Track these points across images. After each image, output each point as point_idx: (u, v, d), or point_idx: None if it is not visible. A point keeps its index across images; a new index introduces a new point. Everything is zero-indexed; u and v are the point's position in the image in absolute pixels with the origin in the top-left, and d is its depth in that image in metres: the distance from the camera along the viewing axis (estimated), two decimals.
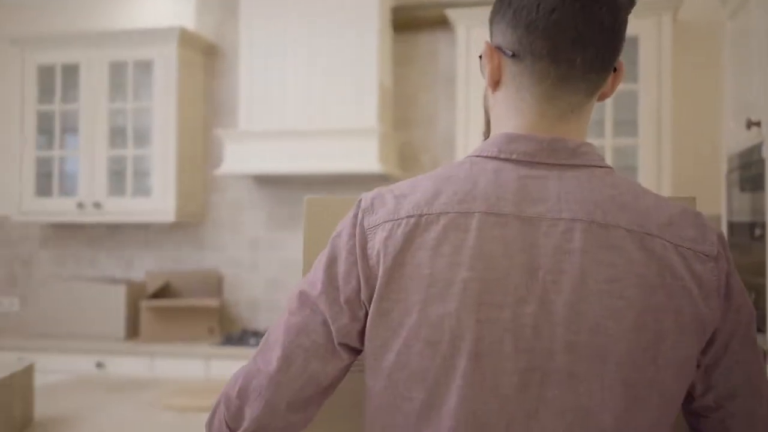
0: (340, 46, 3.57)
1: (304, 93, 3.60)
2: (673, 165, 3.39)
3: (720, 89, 3.46)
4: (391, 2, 3.74)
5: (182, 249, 4.07)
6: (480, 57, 0.95)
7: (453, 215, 0.85)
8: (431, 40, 3.84)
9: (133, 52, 3.81)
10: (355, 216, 0.90)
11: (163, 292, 3.83)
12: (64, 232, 4.21)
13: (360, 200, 0.91)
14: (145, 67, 3.87)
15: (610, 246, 0.83)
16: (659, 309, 0.82)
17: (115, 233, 4.16)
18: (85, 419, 2.04)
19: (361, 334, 0.89)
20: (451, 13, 3.45)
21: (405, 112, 3.87)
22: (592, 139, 3.33)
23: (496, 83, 0.94)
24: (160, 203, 3.75)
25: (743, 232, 2.32)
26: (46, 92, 3.96)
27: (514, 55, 0.90)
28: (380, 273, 0.85)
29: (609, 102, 3.29)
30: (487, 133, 0.99)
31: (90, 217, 3.84)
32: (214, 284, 3.90)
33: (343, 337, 0.89)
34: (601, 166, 0.89)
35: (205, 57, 4.06)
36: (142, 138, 3.90)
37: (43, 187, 3.96)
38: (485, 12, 3.34)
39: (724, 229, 2.60)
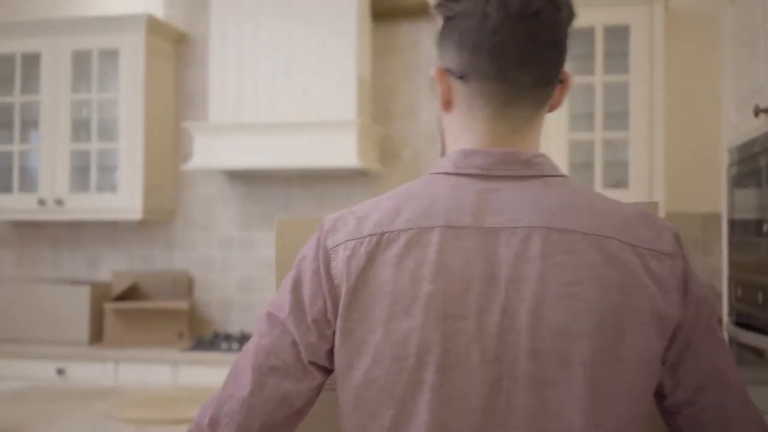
0: (317, 34, 3.42)
1: (279, 84, 3.45)
2: (665, 159, 3.26)
3: (716, 79, 3.33)
4: None
5: (150, 248, 3.90)
6: (431, 79, 0.98)
7: (414, 231, 0.87)
8: (412, 30, 3.69)
9: (97, 41, 3.63)
10: (318, 238, 0.93)
11: (130, 293, 3.66)
12: (25, 230, 4.01)
13: (322, 222, 0.94)
14: (110, 57, 3.69)
15: (568, 250, 0.85)
16: (619, 308, 0.84)
17: (79, 232, 3.97)
18: None
19: (330, 353, 0.91)
20: (433, 1, 3.28)
21: (385, 104, 3.71)
22: (581, 133, 3.21)
23: (447, 104, 0.97)
24: (126, 200, 3.57)
25: (747, 230, 2.17)
26: (5, 83, 3.77)
27: (462, 77, 0.93)
28: (344, 292, 0.88)
29: (599, 94, 3.18)
30: (443, 152, 1.01)
31: (52, 214, 3.65)
32: (184, 285, 3.73)
33: (312, 356, 0.91)
34: (555, 175, 0.92)
35: (175, 46, 3.89)
36: (108, 131, 3.73)
37: (2, 183, 3.78)
38: None
39: (724, 227, 2.45)
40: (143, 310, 3.51)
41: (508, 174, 0.91)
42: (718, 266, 3.21)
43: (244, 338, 3.56)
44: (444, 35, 0.95)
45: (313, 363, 0.91)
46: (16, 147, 3.72)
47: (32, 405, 2.17)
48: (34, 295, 3.58)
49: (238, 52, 3.49)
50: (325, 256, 0.90)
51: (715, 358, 0.91)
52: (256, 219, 3.79)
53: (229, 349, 3.38)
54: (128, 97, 3.58)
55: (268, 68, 3.46)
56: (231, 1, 3.49)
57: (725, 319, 2.38)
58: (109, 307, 3.48)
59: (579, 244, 0.86)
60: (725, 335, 2.45)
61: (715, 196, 3.32)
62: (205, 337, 3.60)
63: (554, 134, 3.19)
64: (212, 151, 3.40)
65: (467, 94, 0.94)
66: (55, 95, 3.65)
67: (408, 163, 3.68)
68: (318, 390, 0.94)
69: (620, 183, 3.32)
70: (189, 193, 3.87)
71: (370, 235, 0.89)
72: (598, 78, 3.19)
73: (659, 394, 0.93)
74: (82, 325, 3.53)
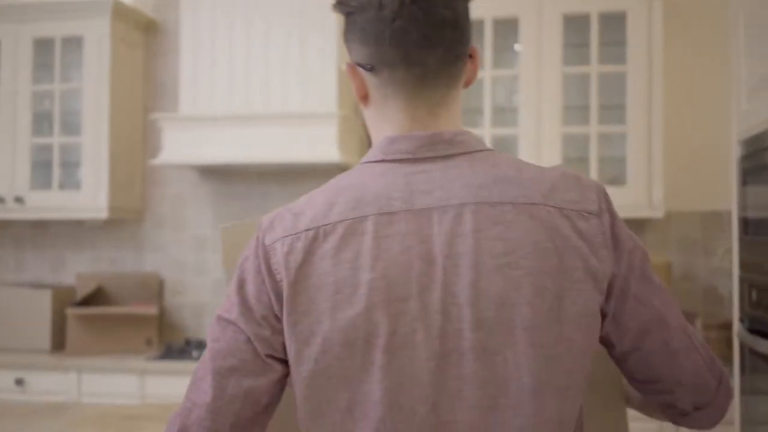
0: (296, 21, 3.23)
1: (254, 74, 3.25)
2: (665, 154, 3.10)
3: (719, 68, 3.16)
4: None
5: (118, 249, 3.68)
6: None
7: (348, 222, 0.90)
8: None
9: (60, 27, 3.41)
10: (257, 237, 0.95)
11: (95, 298, 3.45)
12: None
13: (260, 222, 0.97)
14: (74, 44, 3.49)
15: (500, 221, 0.89)
16: (554, 271, 0.89)
17: (41, 232, 3.73)
18: None
19: (284, 345, 0.93)
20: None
21: None
22: (575, 127, 3.04)
23: (364, 98, 1.00)
24: (90, 198, 3.35)
25: (761, 229, 2.00)
26: None
27: (372, 69, 0.96)
28: (285, 287, 0.90)
29: (594, 86, 3.01)
30: (370, 145, 0.97)
31: (11, 213, 3.42)
32: (154, 289, 3.52)
33: (268, 349, 0.93)
34: (480, 150, 0.96)
35: (144, 34, 3.67)
36: (71, 124, 3.56)
37: None
38: None
39: (735, 226, 2.27)
40: (109, 315, 3.31)
41: (434, 155, 0.94)
42: (720, 267, 3.04)
43: None
44: (348, 32, 0.98)
45: (270, 356, 0.93)
46: None
47: None
48: None
49: (211, 39, 3.29)
50: (264, 254, 0.93)
51: (653, 303, 0.95)
52: (231, 218, 3.59)
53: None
54: (93, 88, 3.37)
55: (242, 56, 3.27)
56: None
57: (736, 325, 2.21)
58: (72, 312, 3.27)
59: (510, 214, 0.90)
60: (736, 341, 2.27)
61: (716, 194, 3.16)
62: (176, 345, 3.39)
63: (547, 127, 3.01)
64: (183, 145, 3.20)
65: (379, 85, 0.97)
66: (14, 86, 3.43)
67: None
68: (281, 384, 0.95)
69: (617, 180, 3.15)
70: (159, 191, 3.66)
71: (306, 230, 0.91)
72: (594, 68, 3.03)
73: (608, 345, 0.99)
74: (43, 332, 3.32)
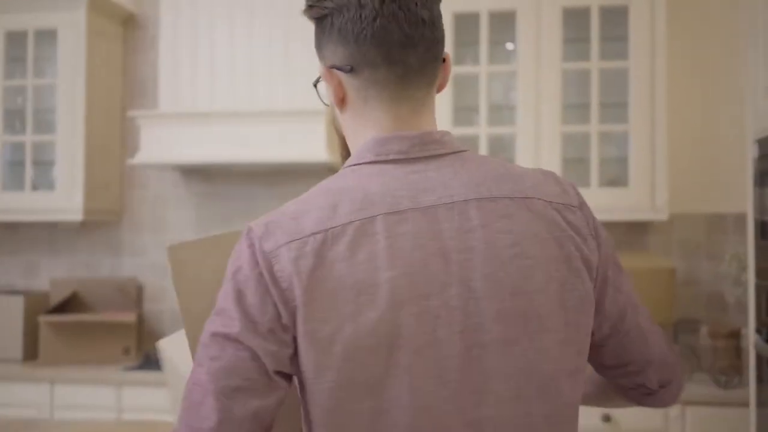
0: (281, 13, 3.10)
1: (238, 69, 3.11)
2: (669, 154, 2.98)
3: (727, 64, 3.04)
4: None
5: (94, 253, 3.53)
6: (315, 85, 1.04)
7: (358, 223, 0.89)
8: None
9: (33, 19, 3.26)
10: (251, 245, 0.91)
11: (70, 304, 3.31)
12: None
13: (249, 230, 0.92)
14: (47, 37, 3.37)
15: (503, 215, 0.92)
16: (556, 259, 0.93)
17: (14, 234, 3.57)
18: None
19: (292, 358, 0.90)
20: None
21: None
22: (575, 126, 2.92)
23: (341, 101, 0.99)
24: (65, 199, 3.20)
25: None
26: None
27: (352, 70, 0.96)
28: (298, 294, 0.87)
29: (595, 82, 2.89)
30: (344, 153, 1.06)
31: None
32: (132, 295, 3.37)
33: (277, 364, 0.89)
34: (464, 150, 0.98)
35: (123, 28, 3.52)
36: (45, 121, 3.44)
37: None
38: None
39: (751, 230, 2.14)
40: (84, 323, 3.17)
41: (427, 154, 0.95)
42: (728, 273, 2.92)
43: None
44: (323, 35, 0.98)
45: (278, 372, 0.89)
46: None
47: None
48: None
49: (192, 32, 3.15)
50: (265, 261, 0.89)
51: (624, 287, 1.01)
52: (214, 221, 3.44)
53: None
54: (68, 84, 3.22)
55: (226, 50, 3.12)
56: None
57: (752, 335, 2.08)
58: (45, 319, 3.12)
59: (510, 208, 0.93)
60: (752, 352, 2.15)
61: (721, 195, 3.05)
62: (155, 354, 3.26)
63: (545, 126, 2.88)
64: (163, 143, 3.04)
65: (359, 86, 0.96)
66: None
67: None
68: (282, 402, 0.92)
69: (618, 181, 3.02)
70: (138, 192, 3.51)
71: (313, 234, 0.89)
72: (594, 64, 2.90)
73: None
74: (14, 341, 3.17)
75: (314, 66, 3.06)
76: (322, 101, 1.09)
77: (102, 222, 3.51)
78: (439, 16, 0.98)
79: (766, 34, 2.07)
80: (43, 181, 3.46)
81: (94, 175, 3.27)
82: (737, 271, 2.79)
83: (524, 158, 2.88)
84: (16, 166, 3.42)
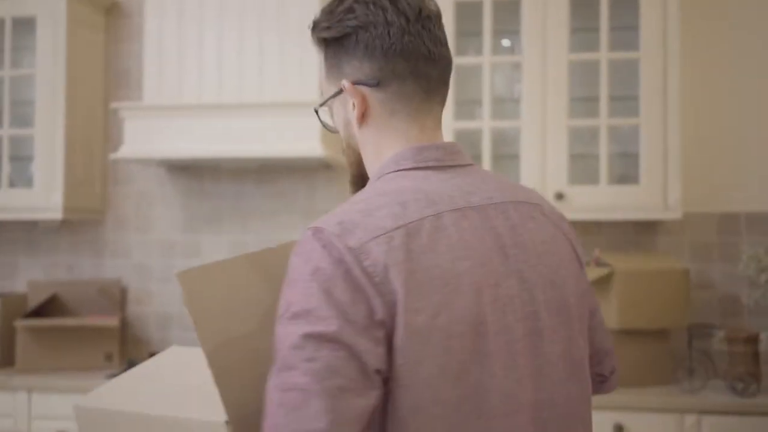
0: (275, 2, 2.97)
1: (227, 59, 3.00)
2: (682, 150, 2.85)
3: (742, 55, 2.93)
4: None
5: (75, 254, 3.40)
6: (316, 111, 1.12)
7: (430, 218, 0.95)
8: None
9: (10, 7, 3.13)
10: (327, 245, 0.92)
11: (49, 307, 3.19)
12: None
13: (317, 231, 0.93)
14: (25, 26, 3.24)
15: (530, 217, 1.03)
16: (569, 257, 1.06)
17: None
18: None
19: (387, 355, 0.90)
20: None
21: None
22: (583, 120, 2.81)
23: (362, 116, 1.05)
24: (44, 197, 3.08)
25: None
26: None
27: (378, 84, 1.03)
28: (397, 286, 0.89)
29: (603, 75, 2.79)
30: (357, 173, 1.12)
31: None
32: (115, 297, 3.27)
33: (377, 362, 0.89)
34: (472, 163, 1.08)
35: (106, 16, 3.40)
36: (22, 115, 3.35)
37: None
38: None
39: None
40: (64, 327, 3.06)
41: (455, 164, 1.04)
42: (745, 275, 2.80)
43: None
44: (343, 53, 1.04)
45: (377, 371, 0.89)
46: None
47: None
48: None
49: (179, 21, 3.01)
50: (353, 257, 0.90)
51: (590, 285, 1.16)
52: (203, 219, 3.31)
53: None
54: (47, 75, 3.09)
55: (214, 40, 3.00)
56: None
57: None
58: (22, 324, 3.00)
59: (532, 211, 1.04)
60: None
61: (735, 194, 2.93)
62: (140, 360, 3.15)
63: (551, 120, 2.75)
64: (148, 137, 2.91)
65: (385, 99, 1.03)
66: None
67: None
68: (379, 403, 0.91)
69: (628, 178, 2.90)
70: (121, 189, 3.39)
71: (396, 228, 0.92)
72: (603, 55, 2.79)
73: None
74: None
75: (307, 55, 2.92)
76: (326, 127, 1.15)
77: (83, 220, 3.39)
78: (446, 37, 1.08)
79: None
80: (21, 178, 3.35)
81: (74, 171, 3.15)
82: (755, 272, 2.67)
83: (529, 153, 2.75)
84: None
